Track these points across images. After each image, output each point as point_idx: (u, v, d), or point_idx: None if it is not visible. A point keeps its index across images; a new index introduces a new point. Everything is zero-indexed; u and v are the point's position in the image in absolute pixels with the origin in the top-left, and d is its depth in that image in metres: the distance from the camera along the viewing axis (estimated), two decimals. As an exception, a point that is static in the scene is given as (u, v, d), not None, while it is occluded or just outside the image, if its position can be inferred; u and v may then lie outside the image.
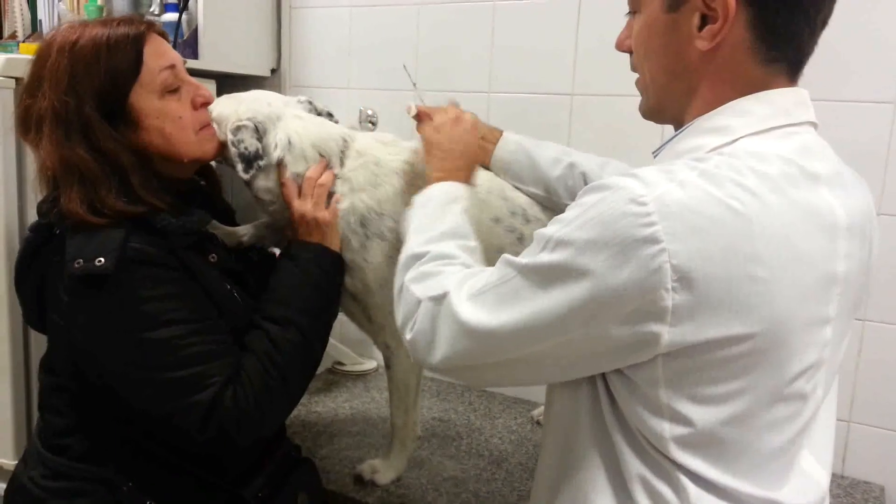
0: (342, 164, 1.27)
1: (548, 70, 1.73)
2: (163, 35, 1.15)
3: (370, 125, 1.61)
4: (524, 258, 0.80)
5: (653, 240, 0.70)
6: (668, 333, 0.72)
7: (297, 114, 1.29)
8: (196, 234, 1.12)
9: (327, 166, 1.25)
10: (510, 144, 1.35)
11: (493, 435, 1.66)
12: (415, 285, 0.94)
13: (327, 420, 1.72)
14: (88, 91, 1.04)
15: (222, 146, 1.22)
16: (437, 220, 1.05)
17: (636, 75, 0.91)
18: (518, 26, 1.76)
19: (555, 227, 0.77)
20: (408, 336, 0.91)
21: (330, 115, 1.38)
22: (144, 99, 1.08)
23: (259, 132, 1.22)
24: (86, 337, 1.03)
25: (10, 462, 1.45)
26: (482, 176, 1.33)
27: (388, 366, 1.37)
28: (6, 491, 1.18)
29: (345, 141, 1.28)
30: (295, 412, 1.72)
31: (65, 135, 1.04)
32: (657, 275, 0.70)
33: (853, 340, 1.52)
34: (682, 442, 0.77)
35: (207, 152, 1.19)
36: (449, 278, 0.90)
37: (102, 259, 0.98)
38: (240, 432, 1.05)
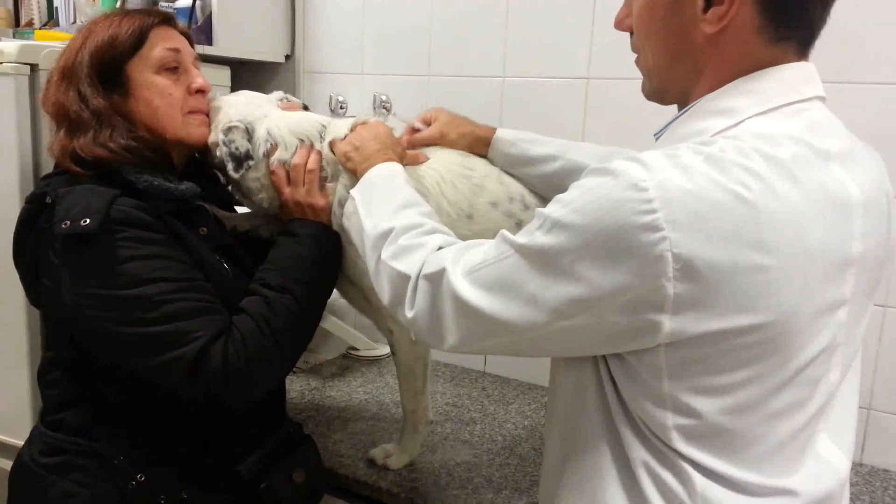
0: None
1: (563, 53, 1.71)
2: (186, 35, 1.22)
3: (384, 111, 1.61)
4: (521, 237, 0.79)
5: (653, 227, 0.68)
6: (669, 323, 0.70)
7: (281, 113, 1.30)
8: (179, 202, 1.15)
9: (311, 149, 1.26)
10: (504, 141, 1.32)
11: (506, 420, 1.67)
12: (395, 262, 0.93)
13: (341, 405, 1.73)
14: (91, 51, 1.13)
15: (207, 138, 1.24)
16: (387, 198, 1.05)
17: None
18: (533, 6, 1.74)
19: (554, 207, 0.76)
20: (408, 315, 0.90)
21: (305, 108, 1.40)
22: (140, 71, 1.15)
23: (249, 133, 1.24)
24: (72, 296, 1.05)
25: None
26: (477, 161, 1.32)
27: (393, 351, 1.37)
28: (10, 471, 1.20)
29: (323, 126, 1.29)
30: (309, 396, 1.75)
31: (67, 84, 1.13)
32: (658, 263, 0.68)
33: (873, 327, 1.49)
34: (685, 432, 0.76)
35: (192, 135, 1.21)
36: (439, 254, 0.88)
37: (88, 220, 1.02)
38: (228, 389, 1.05)
